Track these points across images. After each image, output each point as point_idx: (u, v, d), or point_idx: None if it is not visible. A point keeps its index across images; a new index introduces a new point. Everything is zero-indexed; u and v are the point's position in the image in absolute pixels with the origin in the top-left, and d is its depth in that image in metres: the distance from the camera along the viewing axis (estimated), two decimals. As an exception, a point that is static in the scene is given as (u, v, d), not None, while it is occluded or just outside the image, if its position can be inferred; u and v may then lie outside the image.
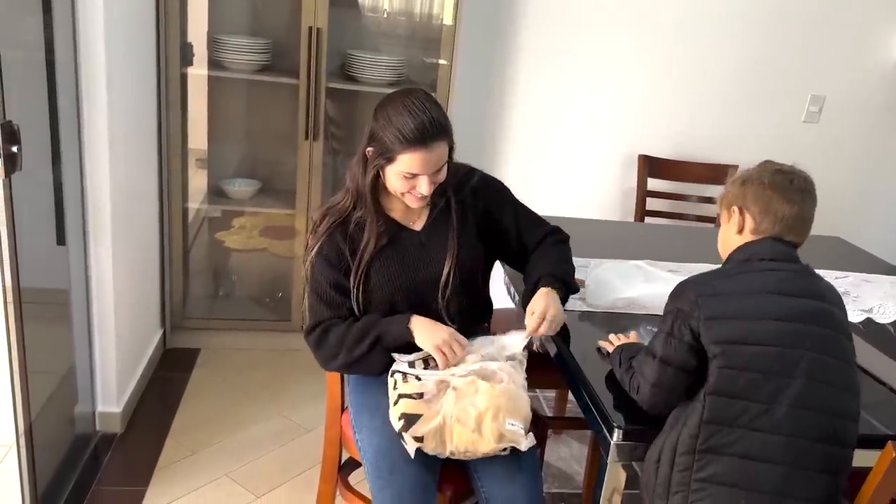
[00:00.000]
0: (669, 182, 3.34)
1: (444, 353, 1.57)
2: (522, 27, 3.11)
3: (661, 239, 2.69)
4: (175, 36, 2.61)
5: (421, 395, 1.53)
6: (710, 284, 1.38)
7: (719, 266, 1.49)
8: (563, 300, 1.69)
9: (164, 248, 2.84)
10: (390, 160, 1.56)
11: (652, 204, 3.32)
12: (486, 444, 1.50)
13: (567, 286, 1.72)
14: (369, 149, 1.59)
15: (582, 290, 1.95)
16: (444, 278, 1.67)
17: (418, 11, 3.08)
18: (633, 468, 2.50)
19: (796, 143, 3.47)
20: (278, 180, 3.05)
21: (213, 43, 2.79)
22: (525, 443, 1.50)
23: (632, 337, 1.66)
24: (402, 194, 1.61)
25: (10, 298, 1.77)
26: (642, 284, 1.90)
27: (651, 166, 3.29)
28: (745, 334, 1.30)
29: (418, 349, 1.61)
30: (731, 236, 1.48)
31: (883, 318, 2.05)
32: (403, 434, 1.50)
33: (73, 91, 2.08)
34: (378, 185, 1.64)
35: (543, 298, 1.62)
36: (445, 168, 1.62)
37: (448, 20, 2.78)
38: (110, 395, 2.39)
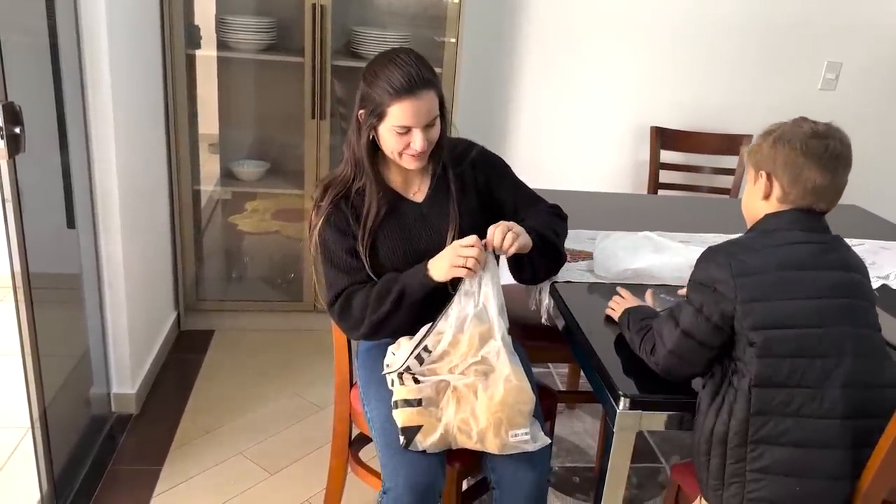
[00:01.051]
0: (682, 154, 3.29)
1: (468, 268, 1.51)
2: (530, 1, 3.07)
3: (674, 211, 2.65)
4: (179, 17, 2.60)
5: (419, 402, 1.51)
6: (743, 262, 1.29)
7: (740, 235, 1.42)
8: (539, 254, 1.63)
9: (175, 231, 2.85)
10: (381, 116, 1.54)
11: (665, 176, 3.27)
12: (493, 450, 1.52)
13: (543, 241, 1.64)
14: (360, 111, 1.58)
15: (589, 261, 1.94)
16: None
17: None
18: (644, 436, 2.49)
19: (813, 112, 3.33)
20: (287, 161, 3.05)
21: (219, 24, 2.78)
22: (532, 446, 1.51)
23: (625, 296, 1.64)
24: (399, 155, 1.59)
25: (19, 283, 1.78)
26: (651, 255, 1.87)
27: (664, 138, 3.24)
28: (785, 317, 1.26)
29: (436, 308, 1.57)
30: (757, 202, 1.40)
31: (899, 283, 2.00)
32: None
33: (76, 75, 2.08)
34: (376, 153, 1.63)
35: (507, 222, 1.56)
36: (438, 125, 1.60)
37: (454, -3, 2.75)
38: (125, 376, 2.41)
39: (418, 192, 1.71)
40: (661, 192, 3.26)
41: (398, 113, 1.53)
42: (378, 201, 1.63)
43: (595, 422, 2.57)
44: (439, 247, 1.62)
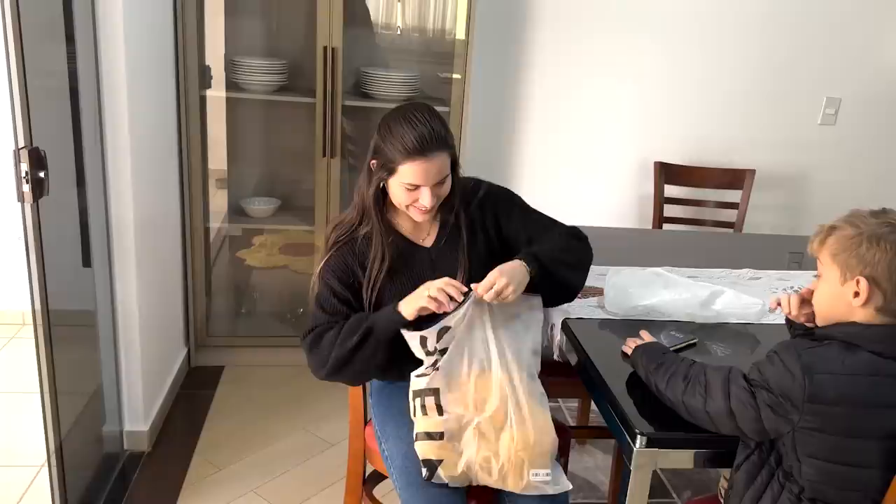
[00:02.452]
0: (686, 188, 3.33)
1: (436, 300, 1.50)
2: (535, 38, 3.14)
3: (679, 245, 2.68)
4: (193, 59, 2.67)
5: (441, 436, 1.52)
6: (821, 385, 1.23)
7: (818, 335, 1.35)
8: (541, 282, 1.62)
9: (186, 268, 2.88)
10: (392, 171, 1.57)
11: (669, 210, 3.31)
12: (513, 489, 1.53)
13: (543, 267, 1.61)
14: (373, 161, 1.61)
15: (600, 297, 1.96)
16: None
17: (431, 27, 3.12)
18: (658, 475, 2.49)
19: (813, 146, 3.45)
20: (297, 198, 3.09)
21: (230, 65, 2.84)
22: (553, 489, 1.53)
23: (644, 337, 1.65)
24: (407, 207, 1.62)
25: (39, 321, 1.81)
26: (662, 291, 1.90)
27: (667, 173, 3.28)
28: (842, 452, 1.25)
29: (405, 352, 1.58)
30: (842, 303, 1.30)
31: None
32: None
33: (95, 117, 2.13)
34: (384, 200, 1.67)
35: (502, 267, 1.56)
36: (448, 182, 1.63)
37: (461, 35, 2.81)
38: (137, 414, 2.42)
39: (427, 237, 1.73)
40: (665, 226, 3.30)
41: (408, 172, 1.56)
42: (384, 251, 1.64)
43: (606, 457, 2.57)
44: None
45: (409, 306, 1.55)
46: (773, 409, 1.27)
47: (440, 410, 1.54)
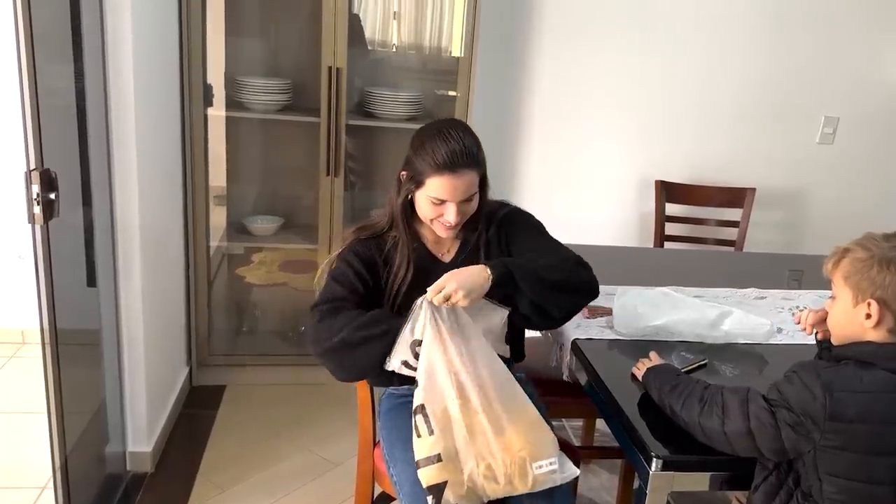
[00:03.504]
0: (687, 206, 3.35)
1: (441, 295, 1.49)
2: (536, 56, 3.16)
3: (682, 264, 2.70)
4: (198, 78, 2.67)
5: (439, 457, 1.49)
6: (841, 402, 1.24)
7: (835, 356, 1.36)
8: (509, 293, 1.57)
9: (189, 286, 2.87)
10: (420, 184, 1.60)
11: (670, 228, 3.33)
12: (524, 489, 1.51)
13: (510, 277, 1.55)
14: (403, 172, 1.65)
15: (609, 317, 1.96)
16: None
17: (433, 46, 3.14)
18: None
19: (812, 165, 3.48)
20: (299, 216, 3.09)
21: (232, 84, 2.85)
22: (561, 477, 1.51)
23: (653, 358, 1.65)
24: (431, 221, 1.65)
25: (46, 340, 1.79)
26: (670, 311, 1.91)
27: (668, 191, 3.30)
28: (858, 471, 1.26)
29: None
30: (856, 324, 1.32)
31: None
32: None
33: (103, 136, 2.13)
34: (412, 211, 1.69)
35: (455, 271, 1.52)
36: (476, 200, 1.64)
37: (460, 53, 2.83)
38: (140, 434, 2.40)
39: (448, 252, 1.75)
40: (666, 244, 3.31)
41: (436, 186, 1.58)
42: (407, 262, 1.66)
43: (612, 477, 2.56)
44: None
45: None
46: (794, 429, 1.28)
47: (430, 429, 1.51)
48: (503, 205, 1.81)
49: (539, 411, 1.58)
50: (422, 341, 1.53)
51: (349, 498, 2.16)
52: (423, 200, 1.62)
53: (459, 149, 1.57)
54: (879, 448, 1.26)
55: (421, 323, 1.53)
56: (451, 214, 1.60)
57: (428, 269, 1.68)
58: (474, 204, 1.65)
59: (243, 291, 3.29)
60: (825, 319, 1.45)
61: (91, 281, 2.21)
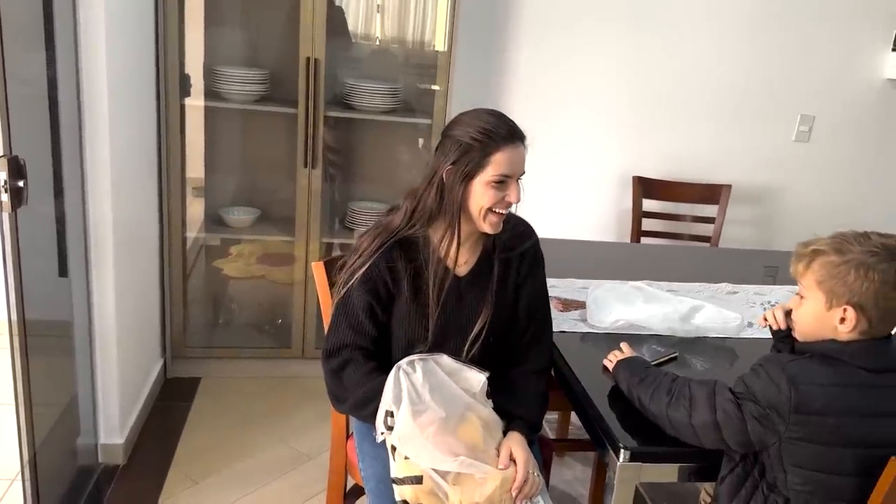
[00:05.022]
0: (664, 202, 3.37)
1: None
2: (516, 52, 3.16)
3: (658, 259, 2.72)
4: (174, 67, 2.65)
5: (420, 480, 1.44)
6: (806, 395, 1.26)
7: (798, 349, 1.39)
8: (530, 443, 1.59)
9: (164, 278, 2.85)
10: (480, 166, 1.50)
11: (647, 224, 3.35)
12: None
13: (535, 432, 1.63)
14: (449, 168, 1.52)
15: (582, 311, 1.98)
16: (473, 334, 1.60)
17: (413, 39, 3.13)
18: (637, 487, 2.51)
19: (788, 163, 3.52)
20: (277, 208, 3.07)
21: (210, 74, 2.83)
22: None
23: (624, 350, 1.67)
24: (486, 214, 1.54)
25: (15, 331, 1.77)
26: (642, 305, 1.92)
27: (645, 187, 3.32)
28: (822, 462, 1.28)
29: None
30: (829, 326, 1.32)
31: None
32: None
33: (75, 125, 2.10)
34: (438, 215, 1.57)
35: (528, 457, 1.51)
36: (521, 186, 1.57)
37: (442, 46, 2.83)
38: (113, 426, 2.38)
39: (463, 265, 1.63)
40: (643, 239, 3.33)
41: (501, 161, 1.50)
42: (440, 274, 1.58)
43: (585, 469, 2.58)
44: (466, 329, 1.60)
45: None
46: (760, 421, 1.29)
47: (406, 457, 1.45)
48: (530, 228, 1.74)
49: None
50: (392, 412, 1.46)
51: (323, 490, 2.16)
52: (482, 186, 1.51)
53: (510, 121, 1.54)
54: (843, 440, 1.28)
55: (392, 392, 1.46)
56: (514, 193, 1.52)
57: (441, 283, 1.59)
58: (522, 190, 1.57)
59: (220, 284, 3.27)
60: (789, 313, 1.46)
61: (63, 271, 2.19)
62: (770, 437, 1.30)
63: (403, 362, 1.50)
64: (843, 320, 1.30)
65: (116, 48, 2.17)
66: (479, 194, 1.53)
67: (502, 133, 1.51)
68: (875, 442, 1.28)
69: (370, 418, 1.53)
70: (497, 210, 1.55)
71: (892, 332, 1.33)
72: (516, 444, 1.52)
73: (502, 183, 1.52)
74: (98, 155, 2.14)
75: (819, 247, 1.34)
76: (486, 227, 1.57)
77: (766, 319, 1.58)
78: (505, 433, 1.55)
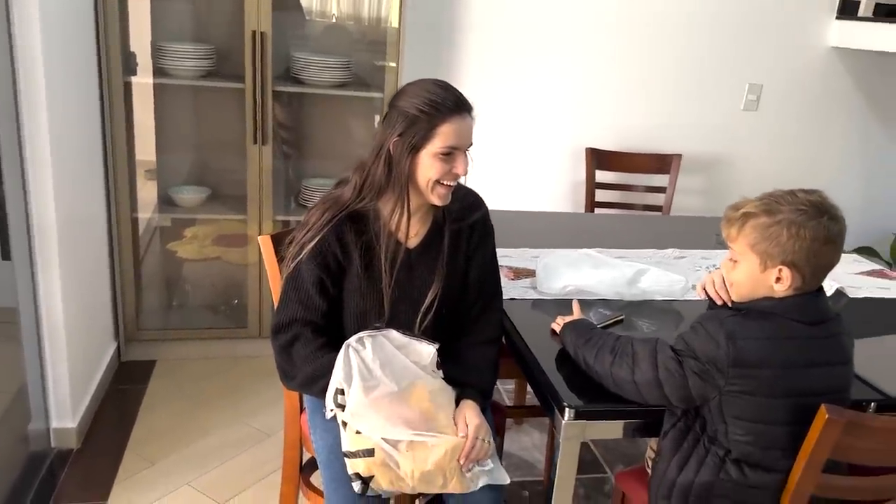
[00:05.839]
0: (616, 173, 3.41)
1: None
2: (467, 27, 3.16)
3: (610, 228, 2.75)
4: (115, 44, 2.58)
5: (371, 452, 1.44)
6: (743, 350, 1.30)
7: (736, 307, 1.42)
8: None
9: (113, 261, 2.80)
10: (427, 138, 1.49)
11: (601, 195, 3.39)
12: (459, 491, 1.49)
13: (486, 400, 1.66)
14: (395, 139, 1.50)
15: (532, 279, 2.00)
16: (425, 305, 1.60)
17: (364, 15, 3.10)
18: (590, 448, 2.56)
19: (737, 132, 3.58)
20: (229, 186, 3.04)
21: (156, 51, 2.77)
22: (494, 479, 1.50)
23: (574, 310, 1.69)
24: (433, 186, 1.53)
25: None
26: (590, 271, 1.95)
27: (598, 159, 3.36)
28: (760, 413, 1.32)
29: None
30: (765, 286, 1.35)
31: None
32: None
33: (11, 104, 2.04)
34: (385, 188, 1.56)
35: (482, 422, 1.53)
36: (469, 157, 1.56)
37: (394, 23, 2.80)
38: (65, 410, 2.35)
39: (413, 237, 1.62)
40: (597, 210, 3.37)
41: (447, 133, 1.49)
42: (391, 247, 1.57)
43: (542, 436, 2.63)
44: (418, 301, 1.60)
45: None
46: (700, 376, 1.33)
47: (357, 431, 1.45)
48: (480, 200, 1.74)
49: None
50: (343, 389, 1.46)
51: (281, 467, 2.16)
52: (428, 159, 1.51)
53: (458, 92, 1.52)
54: (778, 391, 1.32)
55: (342, 370, 1.46)
56: (461, 165, 1.52)
57: (393, 256, 1.58)
58: (469, 161, 1.56)
59: (175, 266, 3.22)
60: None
61: (5, 255, 2.14)
62: (710, 391, 1.33)
63: (353, 340, 1.51)
64: (778, 279, 1.33)
65: (52, 25, 2.11)
66: (427, 166, 1.52)
67: (449, 104, 1.50)
68: (808, 391, 1.32)
69: (319, 395, 1.53)
70: (445, 182, 1.54)
71: (822, 285, 1.38)
72: (470, 410, 1.54)
73: (449, 155, 1.52)
74: (36, 135, 2.09)
75: (749, 209, 1.36)
76: (435, 199, 1.56)
77: (704, 290, 1.56)
78: (458, 402, 1.56)
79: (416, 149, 1.51)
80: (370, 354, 1.49)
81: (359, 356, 1.48)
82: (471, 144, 1.55)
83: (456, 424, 1.51)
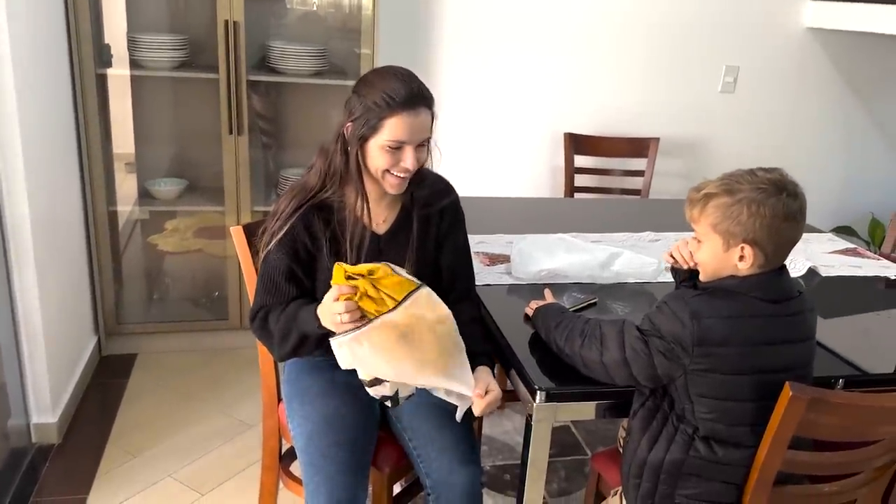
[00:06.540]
0: (595, 158, 3.42)
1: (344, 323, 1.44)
2: (444, 12, 3.15)
3: (588, 213, 2.76)
4: (87, 37, 2.56)
5: (379, 381, 1.46)
6: (708, 329, 1.31)
7: (701, 285, 1.43)
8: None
9: (91, 255, 2.79)
10: (375, 129, 1.49)
11: (580, 180, 3.40)
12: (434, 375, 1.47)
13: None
14: (348, 124, 1.52)
15: (507, 265, 2.01)
16: None
17: (343, 1, 3.08)
18: (571, 430, 2.58)
19: (714, 114, 3.59)
20: (206, 178, 3.02)
21: (131, 42, 2.74)
22: (458, 397, 1.51)
23: (547, 296, 1.71)
24: (384, 174, 1.54)
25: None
26: (564, 255, 1.96)
27: (577, 143, 3.36)
28: (725, 391, 1.34)
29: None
30: (729, 265, 1.37)
31: (794, 272, 2.15)
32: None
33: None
34: (347, 172, 1.56)
35: (492, 382, 1.56)
36: (426, 151, 1.57)
37: (368, 9, 2.79)
38: (44, 406, 2.35)
39: (382, 223, 1.64)
40: (576, 195, 3.38)
41: (394, 126, 1.48)
42: (362, 233, 1.58)
43: (524, 420, 2.64)
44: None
45: (325, 320, 1.47)
46: (665, 355, 1.34)
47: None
48: (449, 186, 1.74)
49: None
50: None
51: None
52: (378, 149, 1.50)
53: (416, 86, 1.50)
54: (743, 368, 1.34)
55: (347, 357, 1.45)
56: (409, 159, 1.51)
57: (360, 240, 1.59)
58: (426, 154, 1.57)
59: (156, 259, 3.21)
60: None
61: (-21, 251, 2.13)
62: (676, 370, 1.35)
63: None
64: (741, 258, 1.35)
65: (19, 15, 2.08)
66: (375, 156, 1.53)
67: (400, 99, 1.48)
68: (772, 367, 1.34)
69: (301, 349, 1.55)
70: (394, 173, 1.54)
71: (785, 263, 1.39)
72: (487, 375, 1.55)
73: (398, 149, 1.51)
74: (7, 130, 2.07)
75: (710, 190, 1.37)
76: (388, 188, 1.57)
77: (672, 257, 1.61)
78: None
79: (364, 138, 1.52)
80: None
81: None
82: (428, 138, 1.55)
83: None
